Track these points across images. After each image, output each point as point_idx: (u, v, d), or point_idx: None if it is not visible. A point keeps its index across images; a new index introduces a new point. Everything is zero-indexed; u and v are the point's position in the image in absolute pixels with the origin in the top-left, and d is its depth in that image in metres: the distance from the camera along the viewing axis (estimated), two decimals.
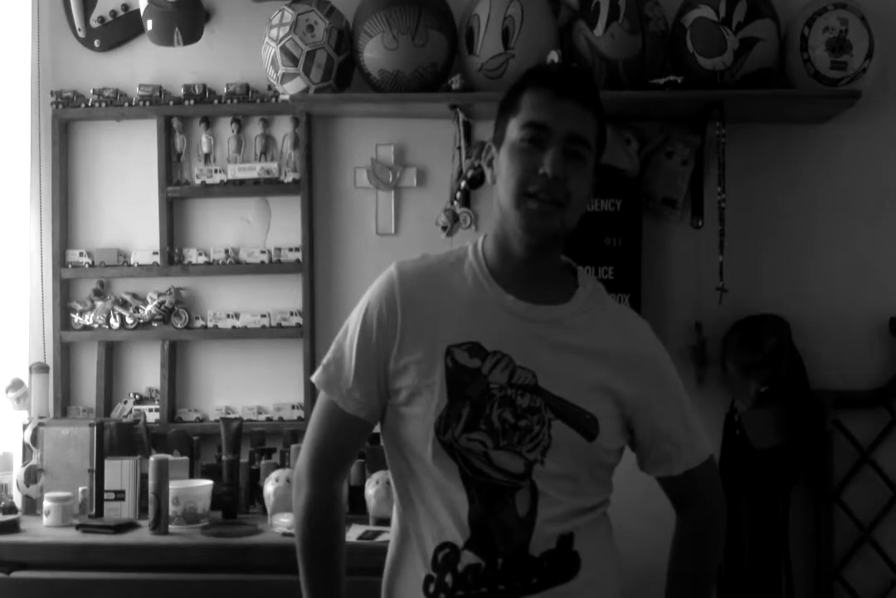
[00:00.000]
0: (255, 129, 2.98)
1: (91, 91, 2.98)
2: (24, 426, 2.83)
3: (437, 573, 1.48)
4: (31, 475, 2.75)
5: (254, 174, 2.94)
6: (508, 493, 1.47)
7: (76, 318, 2.99)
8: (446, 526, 1.48)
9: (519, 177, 1.49)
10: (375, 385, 1.53)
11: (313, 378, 1.59)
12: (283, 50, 2.68)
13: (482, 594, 1.47)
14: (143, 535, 2.51)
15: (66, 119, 3.01)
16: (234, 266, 2.95)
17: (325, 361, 1.59)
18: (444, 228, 2.75)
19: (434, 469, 1.48)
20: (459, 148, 2.76)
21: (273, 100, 2.91)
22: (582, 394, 1.50)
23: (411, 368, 1.50)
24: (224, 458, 2.72)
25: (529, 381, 1.48)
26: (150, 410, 2.95)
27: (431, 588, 1.49)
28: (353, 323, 1.56)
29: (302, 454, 1.59)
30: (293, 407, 2.93)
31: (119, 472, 2.65)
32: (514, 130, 1.51)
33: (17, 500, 2.72)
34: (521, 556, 1.47)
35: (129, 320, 2.96)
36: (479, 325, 1.51)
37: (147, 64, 2.99)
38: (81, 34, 3.01)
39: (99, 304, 2.98)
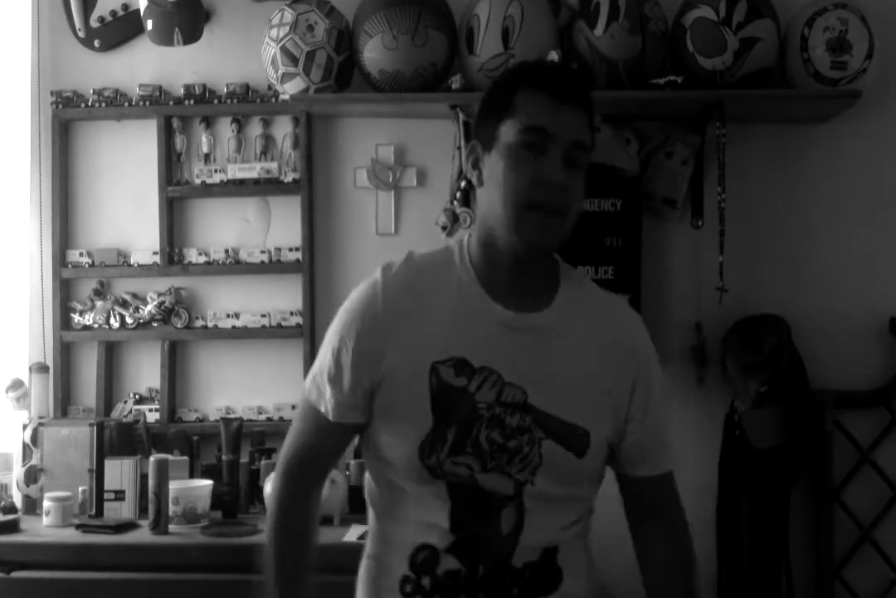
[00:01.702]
0: (255, 129, 2.98)
1: (91, 91, 2.98)
2: (24, 426, 2.83)
3: (416, 574, 1.44)
4: (31, 475, 2.75)
5: (254, 174, 2.94)
6: (495, 507, 1.42)
7: (76, 318, 2.99)
8: (428, 528, 1.43)
9: (522, 187, 1.40)
10: (361, 393, 1.46)
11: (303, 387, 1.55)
12: (283, 50, 2.68)
13: None
14: (143, 535, 2.51)
15: (66, 119, 3.01)
16: (234, 266, 2.95)
17: (311, 370, 1.54)
18: (444, 228, 2.75)
19: (416, 488, 1.43)
20: (459, 148, 2.75)
21: (273, 100, 2.91)
22: (574, 407, 1.44)
23: (394, 383, 1.44)
24: (224, 458, 2.72)
25: (519, 398, 1.42)
26: (150, 410, 2.95)
27: (408, 588, 1.44)
28: (334, 331, 1.51)
29: (279, 461, 1.55)
30: (293, 407, 2.92)
31: (119, 472, 2.65)
32: (509, 133, 1.42)
33: (17, 500, 2.72)
34: (503, 566, 1.43)
35: (129, 320, 2.96)
36: (465, 338, 1.43)
37: (147, 64, 2.99)
38: (81, 34, 3.01)
39: (99, 304, 2.98)
